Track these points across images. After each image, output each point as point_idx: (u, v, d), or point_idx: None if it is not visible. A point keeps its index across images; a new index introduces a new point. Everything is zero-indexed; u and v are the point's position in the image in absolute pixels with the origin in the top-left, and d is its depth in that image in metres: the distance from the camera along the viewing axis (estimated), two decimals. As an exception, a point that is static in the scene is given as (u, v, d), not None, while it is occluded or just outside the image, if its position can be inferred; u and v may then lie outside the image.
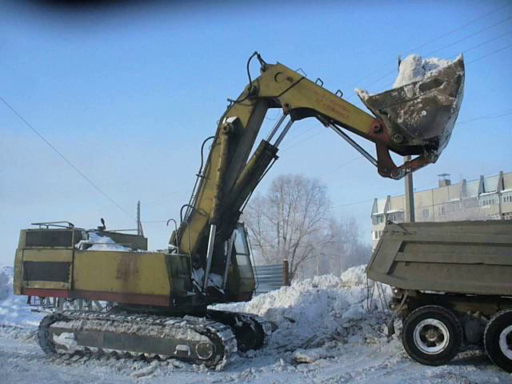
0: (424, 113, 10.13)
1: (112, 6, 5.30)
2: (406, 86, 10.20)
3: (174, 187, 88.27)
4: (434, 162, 10.81)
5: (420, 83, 10.17)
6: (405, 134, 10.36)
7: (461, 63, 10.01)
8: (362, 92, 10.55)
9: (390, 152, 11.23)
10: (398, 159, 11.33)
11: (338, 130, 11.68)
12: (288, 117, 12.09)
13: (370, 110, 10.95)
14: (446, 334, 10.54)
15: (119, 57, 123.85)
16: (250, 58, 11.80)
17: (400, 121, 10.23)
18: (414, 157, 11.48)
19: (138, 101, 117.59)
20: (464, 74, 10.04)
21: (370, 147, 11.36)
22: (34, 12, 5.32)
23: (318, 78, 11.63)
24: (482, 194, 78.46)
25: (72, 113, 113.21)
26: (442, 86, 10.04)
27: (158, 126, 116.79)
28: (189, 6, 5.77)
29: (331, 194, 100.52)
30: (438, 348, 10.61)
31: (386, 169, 11.09)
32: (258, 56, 11.93)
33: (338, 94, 11.49)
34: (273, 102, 12.27)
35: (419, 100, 10.15)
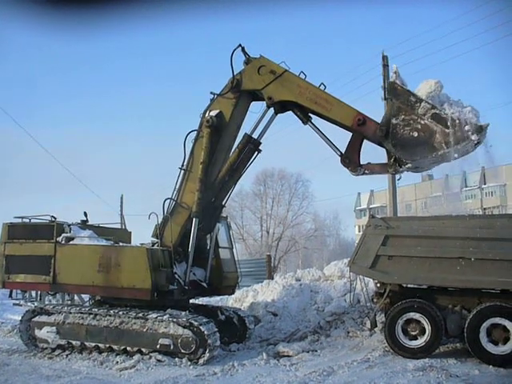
0: (415, 134, 10.11)
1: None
2: (426, 102, 10.04)
3: (159, 181, 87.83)
4: (392, 174, 10.96)
5: (435, 111, 10.00)
6: (388, 132, 10.43)
7: (479, 129, 9.71)
8: (395, 73, 10.50)
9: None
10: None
11: (315, 126, 11.80)
12: (271, 110, 12.07)
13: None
14: (428, 328, 10.62)
15: (108, 53, 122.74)
16: (234, 50, 11.72)
17: (394, 121, 10.28)
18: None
19: (125, 96, 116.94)
20: (473, 139, 9.65)
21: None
22: (25, 7, 5.22)
23: (302, 71, 11.62)
24: (464, 188, 79.06)
25: (59, 108, 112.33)
26: (447, 130, 9.85)
27: (145, 121, 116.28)
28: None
29: (314, 188, 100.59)
30: (420, 341, 10.69)
31: (348, 160, 11.23)
32: (242, 49, 11.87)
33: (322, 87, 11.49)
34: (256, 96, 12.23)
35: (422, 122, 10.06)
